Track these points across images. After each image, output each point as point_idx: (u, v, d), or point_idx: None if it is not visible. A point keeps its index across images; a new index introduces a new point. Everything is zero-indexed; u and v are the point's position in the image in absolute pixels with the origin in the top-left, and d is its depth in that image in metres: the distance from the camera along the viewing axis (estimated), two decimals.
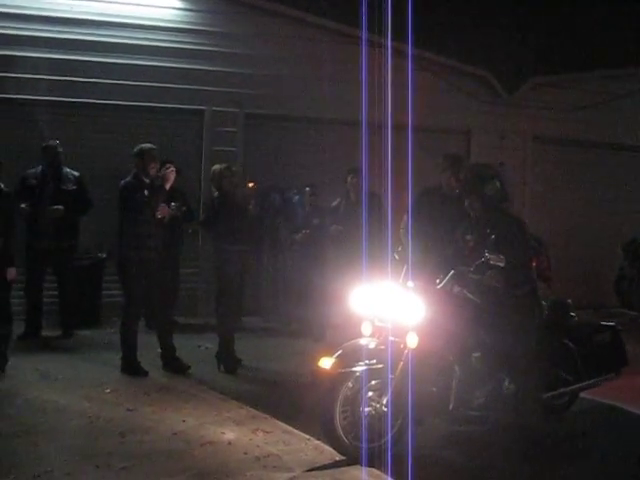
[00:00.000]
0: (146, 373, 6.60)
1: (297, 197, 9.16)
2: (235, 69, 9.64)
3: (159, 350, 6.82)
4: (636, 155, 12.13)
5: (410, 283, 4.90)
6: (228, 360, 6.94)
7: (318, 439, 4.94)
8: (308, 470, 4.53)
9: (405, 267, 4.97)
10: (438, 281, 5.02)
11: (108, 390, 6.08)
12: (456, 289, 5.08)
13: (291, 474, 4.45)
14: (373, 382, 4.74)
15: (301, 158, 10.00)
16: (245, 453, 4.76)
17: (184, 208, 8.06)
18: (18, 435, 4.93)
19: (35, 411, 5.47)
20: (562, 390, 5.50)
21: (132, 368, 6.60)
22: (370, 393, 4.73)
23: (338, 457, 4.69)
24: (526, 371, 5.10)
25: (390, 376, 4.69)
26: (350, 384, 4.73)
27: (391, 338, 4.76)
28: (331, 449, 4.76)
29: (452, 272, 5.01)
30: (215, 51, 9.55)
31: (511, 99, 11.22)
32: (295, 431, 5.19)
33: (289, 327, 9.07)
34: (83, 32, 9.01)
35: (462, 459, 4.96)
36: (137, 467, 4.47)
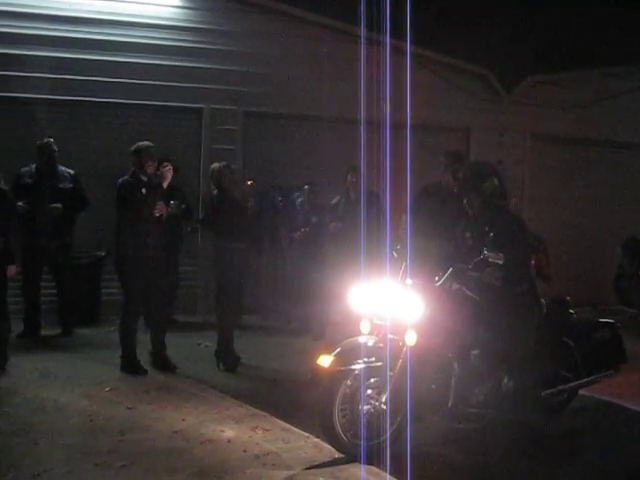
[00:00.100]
0: (146, 371, 6.60)
1: (296, 195, 9.16)
2: (234, 67, 9.64)
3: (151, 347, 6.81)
4: (635, 153, 12.14)
5: (409, 281, 4.90)
6: (228, 358, 6.94)
7: (317, 437, 4.95)
8: (307, 468, 4.53)
9: (404, 265, 4.97)
10: (437, 279, 5.03)
11: (108, 388, 6.08)
12: (455, 287, 5.08)
13: (290, 472, 4.45)
14: (372, 380, 4.75)
15: (300, 156, 10.00)
16: (244, 451, 4.76)
17: (183, 206, 8.04)
18: (17, 434, 4.94)
19: (34, 409, 5.48)
20: (561, 387, 5.51)
21: (132, 366, 6.60)
22: (369, 391, 4.73)
23: (337, 455, 4.70)
24: (525, 368, 5.10)
25: (389, 374, 4.69)
26: (349, 382, 4.73)
27: (390, 336, 4.76)
28: (330, 447, 4.76)
29: (451, 269, 5.01)
30: (214, 49, 9.55)
31: (510, 97, 11.22)
32: (294, 429, 5.19)
33: (288, 325, 9.08)
34: (82, 30, 9.01)
35: (461, 456, 4.96)
36: (137, 465, 4.47)
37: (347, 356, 4.75)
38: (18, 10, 8.76)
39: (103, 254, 8.51)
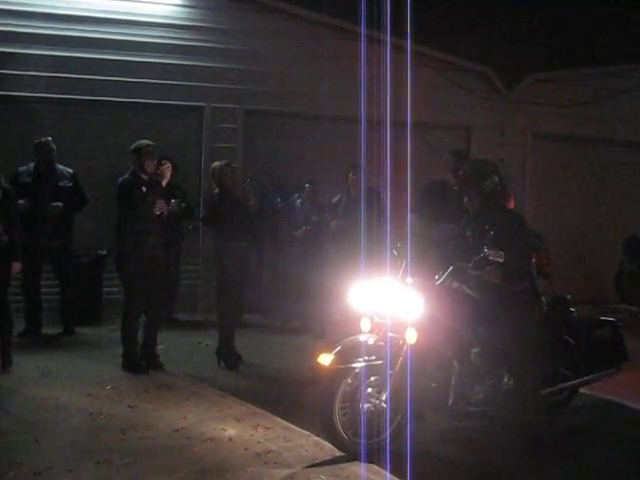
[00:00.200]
0: (147, 370, 6.61)
1: (297, 194, 9.16)
2: (234, 65, 9.63)
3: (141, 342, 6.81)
4: (636, 151, 12.13)
5: (409, 279, 4.90)
6: (228, 357, 6.95)
7: (318, 435, 4.96)
8: (308, 466, 4.54)
9: (404, 263, 4.97)
10: (437, 277, 5.03)
11: (109, 387, 6.09)
12: (455, 285, 5.08)
13: (291, 470, 4.47)
14: (372, 378, 4.75)
15: (301, 154, 10.00)
16: (246, 449, 4.77)
17: (184, 205, 8.06)
18: (18, 432, 4.95)
19: (36, 408, 5.48)
20: (561, 386, 5.51)
21: (133, 365, 6.61)
22: (369, 389, 4.74)
23: (338, 453, 4.71)
24: (525, 367, 5.09)
25: (389, 372, 4.69)
26: (349, 380, 4.74)
27: (390, 334, 4.76)
28: (331, 445, 4.78)
29: (451, 268, 5.01)
30: (214, 47, 9.55)
31: (511, 95, 11.22)
32: (295, 427, 5.20)
33: (289, 324, 9.08)
34: (81, 29, 8.99)
35: (461, 455, 4.97)
36: (138, 463, 4.49)
37: (347, 354, 4.76)
38: (14, 8, 8.74)
39: (104, 253, 8.52)
